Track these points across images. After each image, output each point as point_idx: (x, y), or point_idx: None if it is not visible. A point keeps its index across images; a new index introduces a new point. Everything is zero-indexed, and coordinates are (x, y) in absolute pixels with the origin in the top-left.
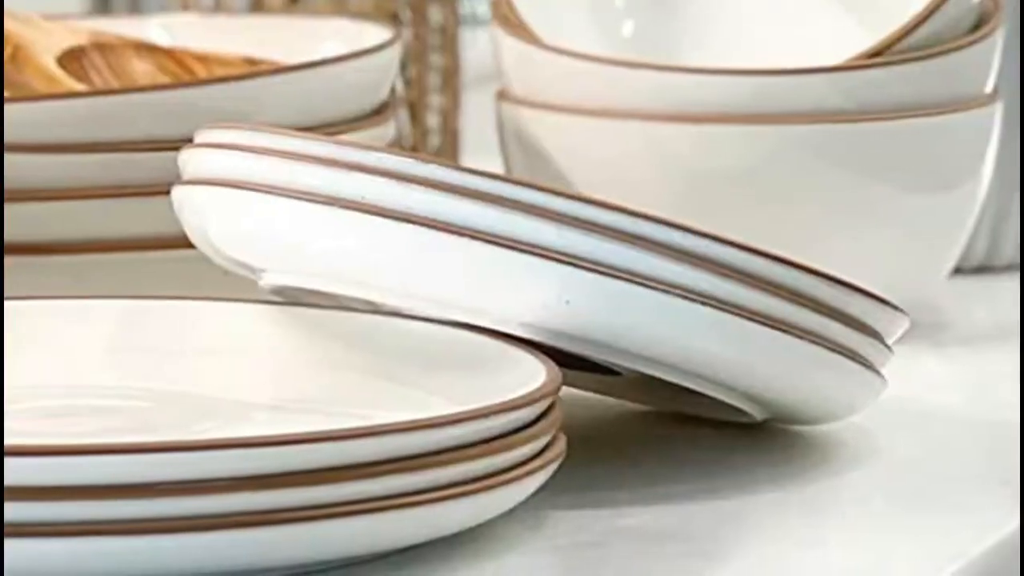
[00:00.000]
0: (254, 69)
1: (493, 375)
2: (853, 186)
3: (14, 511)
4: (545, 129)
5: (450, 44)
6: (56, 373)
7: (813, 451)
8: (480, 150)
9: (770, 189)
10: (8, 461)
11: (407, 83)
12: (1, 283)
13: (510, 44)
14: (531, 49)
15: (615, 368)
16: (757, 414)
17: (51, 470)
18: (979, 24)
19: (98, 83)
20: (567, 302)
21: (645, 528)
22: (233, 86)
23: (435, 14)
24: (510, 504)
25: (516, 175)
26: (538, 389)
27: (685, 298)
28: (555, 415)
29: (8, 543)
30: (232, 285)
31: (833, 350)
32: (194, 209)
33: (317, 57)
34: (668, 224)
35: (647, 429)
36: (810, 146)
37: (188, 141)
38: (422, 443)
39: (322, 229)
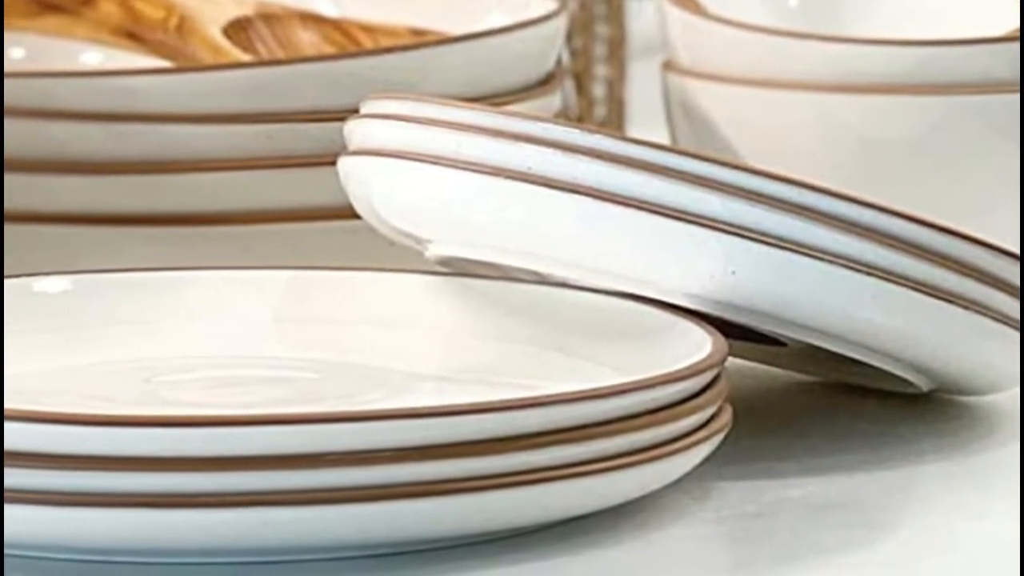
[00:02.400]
0: (420, 40)
1: (659, 346)
2: (1019, 156)
3: (183, 482)
4: (711, 100)
5: (616, 14)
6: (224, 343)
7: (979, 422)
8: (646, 121)
9: (936, 159)
10: (177, 432)
11: (573, 54)
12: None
13: (676, 15)
14: (697, 19)
15: (781, 339)
16: (923, 384)
17: (219, 441)
18: None
19: (264, 54)
20: (733, 273)
21: (811, 498)
22: (399, 57)
23: None
24: (676, 475)
25: (682, 146)
26: (704, 360)
27: (850, 268)
28: (721, 386)
29: (178, 514)
30: (398, 256)
31: (998, 320)
32: (360, 180)
33: (483, 28)
34: (833, 195)
35: (813, 400)
36: (977, 116)
37: (354, 112)
38: (588, 414)
39: (488, 200)
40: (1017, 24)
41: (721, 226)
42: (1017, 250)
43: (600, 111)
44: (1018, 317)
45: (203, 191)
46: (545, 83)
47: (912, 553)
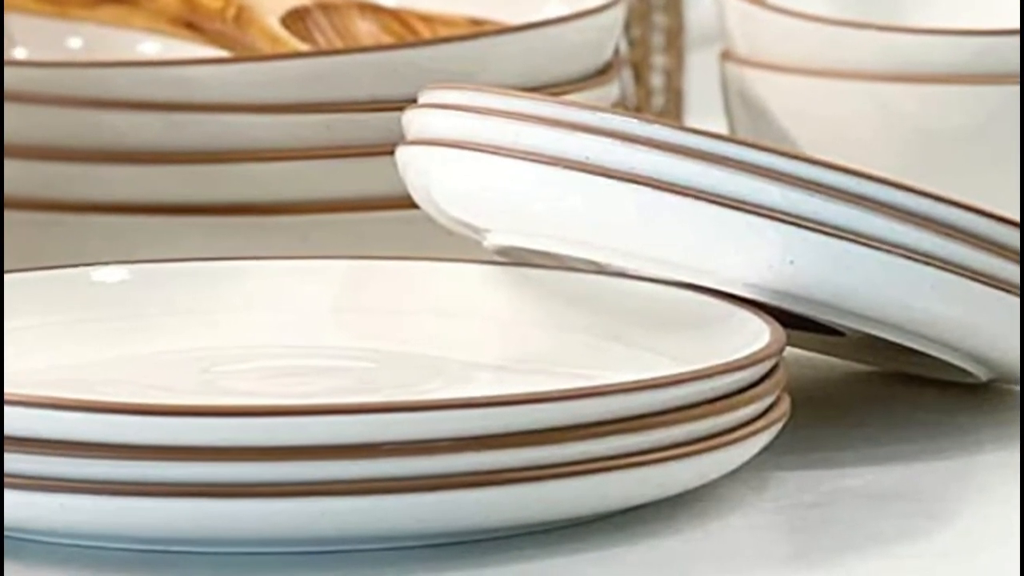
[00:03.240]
0: (478, 30)
1: (717, 335)
2: None
3: (240, 472)
4: (769, 89)
5: (674, 4)
6: (282, 333)
7: None
8: (704, 110)
9: (994, 149)
10: (235, 422)
11: (631, 43)
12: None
13: (734, 4)
14: (755, 9)
15: (839, 328)
16: (981, 374)
17: (277, 431)
18: None
19: (322, 43)
20: (791, 262)
21: (869, 488)
22: (457, 46)
23: None
24: (734, 465)
25: (740, 135)
26: (762, 349)
27: (908, 258)
28: (779, 375)
29: (236, 504)
30: (456, 245)
31: None
32: (418, 169)
33: (541, 17)
34: (892, 184)
35: (871, 389)
36: None
37: (412, 101)
38: (646, 403)
39: (546, 189)
40: None
41: (780, 215)
42: None
43: (658, 101)
44: None
45: (261, 181)
46: (603, 73)
47: (971, 543)
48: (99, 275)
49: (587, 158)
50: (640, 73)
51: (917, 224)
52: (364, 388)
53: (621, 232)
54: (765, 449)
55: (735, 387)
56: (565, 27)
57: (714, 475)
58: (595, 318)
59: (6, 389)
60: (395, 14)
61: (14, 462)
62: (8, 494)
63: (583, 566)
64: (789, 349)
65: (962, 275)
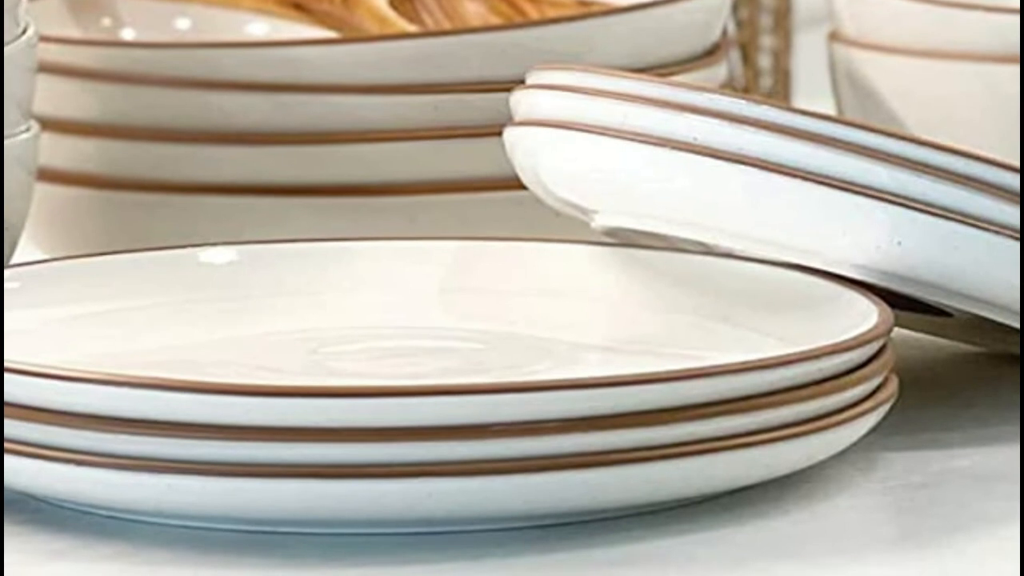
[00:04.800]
0: (586, 10)
1: (825, 316)
2: None
3: (348, 453)
4: (877, 70)
5: None
6: (390, 314)
7: None
8: (812, 91)
9: None
10: (342, 403)
11: (738, 24)
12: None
13: None
14: None
15: (946, 309)
16: None
17: (385, 411)
18: None
19: (430, 24)
20: (899, 243)
21: (977, 469)
22: (564, 27)
23: None
24: (841, 445)
25: (848, 116)
26: (870, 330)
27: (1016, 239)
28: (887, 356)
29: (343, 484)
30: (564, 226)
31: None
32: (526, 150)
33: None
34: (1000, 165)
35: (979, 370)
36: None
37: (519, 82)
38: (754, 384)
39: (654, 170)
40: None
41: (887, 197)
42: None
43: (766, 82)
44: None
45: (368, 162)
46: (711, 54)
47: None
48: (207, 256)
49: (695, 139)
50: (748, 54)
51: None
52: (472, 369)
53: (729, 213)
54: (872, 430)
55: (843, 368)
56: (673, 8)
57: (822, 456)
58: (703, 299)
59: (115, 370)
60: None
61: (123, 443)
62: (117, 475)
63: (691, 547)
64: (896, 330)
65: None
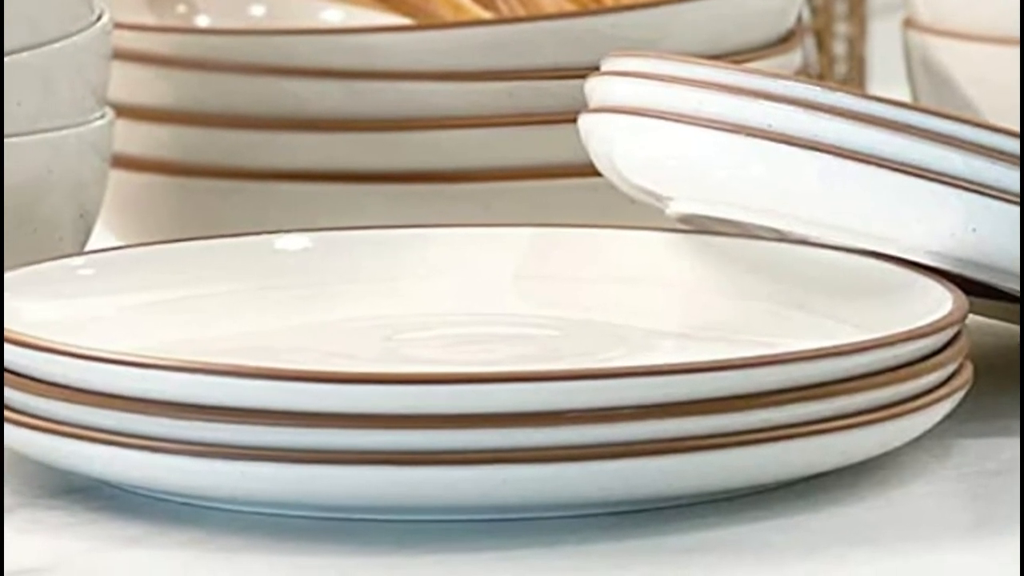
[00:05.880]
0: None
1: (899, 303)
2: None
3: (423, 439)
4: (952, 57)
5: None
6: (465, 301)
7: None
8: (886, 78)
9: None
10: (417, 389)
11: (813, 11)
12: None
13: None
14: None
15: (1021, 295)
16: None
17: (460, 398)
18: None
19: (505, 11)
20: (974, 230)
21: None
22: (640, 14)
23: None
24: (916, 432)
25: (922, 103)
26: (945, 317)
27: None
28: (962, 343)
29: (418, 471)
30: (638, 213)
31: None
32: (600, 137)
33: None
34: None
35: None
36: None
37: (594, 69)
38: (828, 371)
39: (728, 157)
40: None
41: (962, 183)
42: None
43: (841, 68)
44: None
45: (443, 149)
46: (786, 40)
47: None
48: (282, 243)
49: (770, 126)
50: (823, 41)
51: None
52: (547, 356)
53: (803, 200)
54: (947, 417)
55: (918, 355)
56: None
57: (896, 443)
58: (777, 286)
59: (190, 357)
60: None
61: (198, 430)
62: (191, 462)
63: (766, 534)
64: (971, 316)
65: None
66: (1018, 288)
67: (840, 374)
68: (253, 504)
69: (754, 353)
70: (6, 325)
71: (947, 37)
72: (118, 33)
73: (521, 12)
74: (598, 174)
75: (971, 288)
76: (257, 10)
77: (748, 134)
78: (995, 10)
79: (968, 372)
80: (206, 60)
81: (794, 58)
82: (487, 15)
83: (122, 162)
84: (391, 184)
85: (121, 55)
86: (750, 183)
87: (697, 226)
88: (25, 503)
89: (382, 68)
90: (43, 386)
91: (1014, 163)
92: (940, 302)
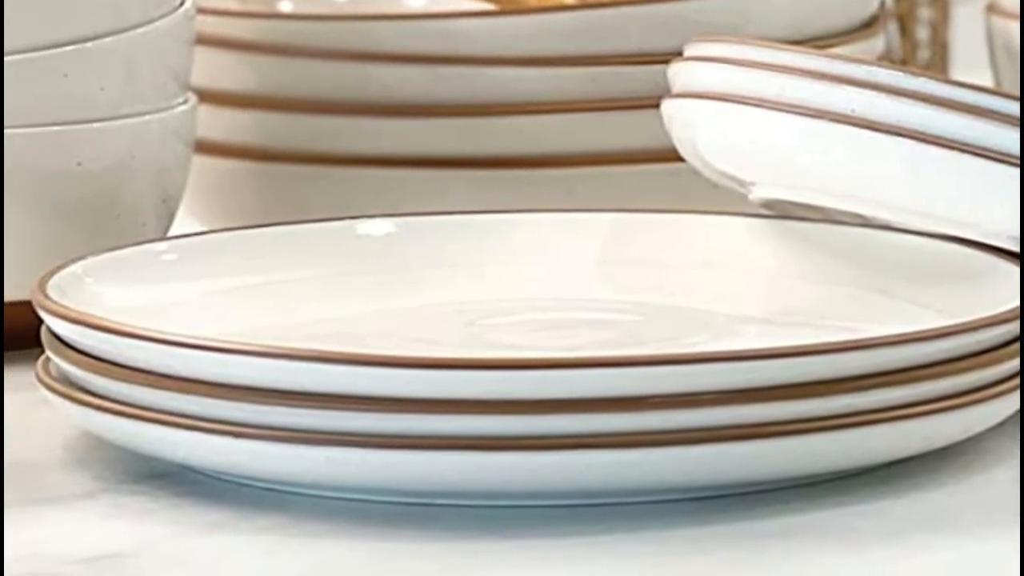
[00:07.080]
0: None
1: (983, 288)
2: None
3: (506, 425)
4: None
5: None
6: (548, 286)
7: None
8: (969, 63)
9: None
10: (501, 375)
11: None
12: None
13: None
14: None
15: None
16: None
17: (543, 384)
18: None
19: None
20: None
21: None
22: (724, 0)
23: None
24: (999, 418)
25: (1005, 88)
26: None
27: None
28: None
29: (501, 457)
30: (722, 198)
31: None
32: (684, 122)
33: None
34: None
35: None
36: None
37: (678, 54)
38: (912, 356)
39: (811, 142)
40: None
41: None
42: None
43: (923, 54)
44: None
45: (526, 134)
46: (869, 26)
47: None
48: (365, 228)
49: (853, 111)
50: (906, 26)
51: None
52: (630, 341)
53: (886, 185)
54: None
55: (1001, 340)
56: None
57: (979, 428)
58: (860, 271)
59: (274, 343)
60: None
61: (281, 415)
62: (275, 447)
63: (849, 519)
64: None
65: None
66: None
67: (923, 359)
68: (336, 489)
69: (837, 338)
70: (89, 310)
71: None
72: (201, 18)
73: None
74: (681, 159)
75: None
76: None
77: (831, 119)
78: None
79: None
80: (289, 45)
81: (877, 43)
82: (570, 1)
83: (205, 147)
84: (474, 169)
85: (204, 40)
86: (833, 168)
87: (780, 211)
88: (108, 488)
89: (466, 53)
90: (126, 371)
91: None
92: None
